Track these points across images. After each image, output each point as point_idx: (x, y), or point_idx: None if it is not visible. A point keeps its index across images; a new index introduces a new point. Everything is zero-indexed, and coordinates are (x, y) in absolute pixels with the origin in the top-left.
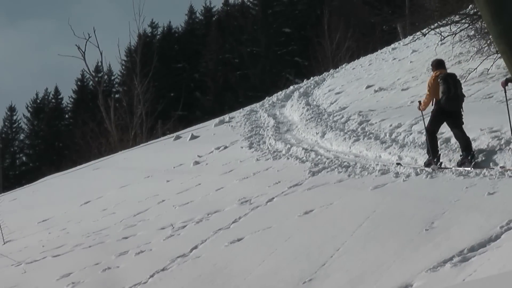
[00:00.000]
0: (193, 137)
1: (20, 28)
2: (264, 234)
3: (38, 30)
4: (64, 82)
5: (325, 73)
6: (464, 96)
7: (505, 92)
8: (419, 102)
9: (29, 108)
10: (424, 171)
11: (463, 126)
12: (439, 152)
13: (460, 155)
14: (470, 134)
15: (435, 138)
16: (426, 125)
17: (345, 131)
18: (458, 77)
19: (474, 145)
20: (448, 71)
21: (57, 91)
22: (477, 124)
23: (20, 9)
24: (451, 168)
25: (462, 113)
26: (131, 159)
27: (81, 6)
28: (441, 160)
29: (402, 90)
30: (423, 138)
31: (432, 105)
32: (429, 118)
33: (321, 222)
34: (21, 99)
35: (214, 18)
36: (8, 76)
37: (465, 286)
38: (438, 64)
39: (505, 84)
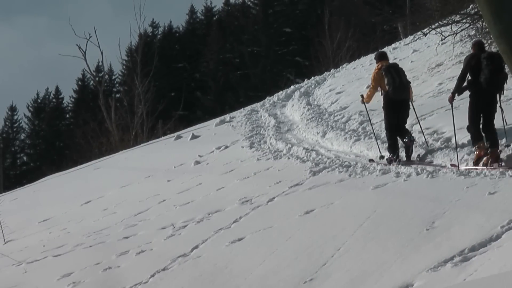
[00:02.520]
0: (194, 137)
1: (13, 25)
2: (265, 234)
3: (31, 27)
4: (64, 81)
5: (325, 72)
6: (409, 83)
7: (452, 106)
8: (362, 96)
9: (30, 108)
10: (424, 171)
11: (407, 120)
12: (399, 149)
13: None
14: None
15: (394, 134)
16: (384, 124)
17: (346, 130)
18: (400, 66)
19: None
20: (449, 71)
21: (57, 91)
22: None
23: (12, 5)
24: (411, 163)
25: (411, 104)
26: (131, 159)
27: (75, 4)
28: (400, 157)
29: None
30: (424, 137)
31: (381, 95)
32: (384, 115)
33: (321, 222)
34: (15, 96)
35: (215, 18)
36: (1, 73)
37: (466, 286)
38: (381, 56)
39: (452, 99)
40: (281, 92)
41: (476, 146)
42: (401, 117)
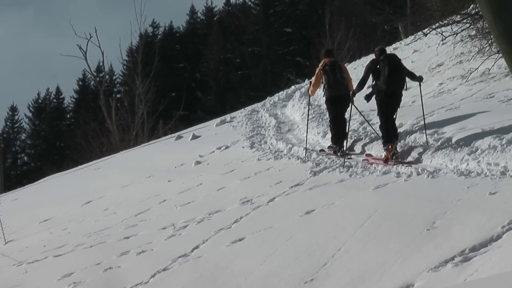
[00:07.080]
0: (195, 137)
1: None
2: (265, 234)
3: (18, 20)
4: (57, 74)
5: None
6: (344, 79)
7: (353, 103)
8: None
9: (31, 108)
10: (425, 171)
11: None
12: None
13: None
14: (471, 134)
15: (336, 126)
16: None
17: (346, 131)
18: (338, 63)
19: (476, 144)
20: (449, 71)
21: (58, 91)
22: (478, 123)
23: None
24: (354, 154)
25: (351, 97)
26: (132, 159)
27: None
28: (343, 148)
29: (404, 90)
30: (424, 138)
31: (323, 94)
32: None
33: (322, 222)
34: (9, 91)
35: (215, 18)
36: None
37: (467, 286)
38: (326, 53)
39: (353, 95)
40: (281, 92)
41: (386, 148)
42: (339, 110)
